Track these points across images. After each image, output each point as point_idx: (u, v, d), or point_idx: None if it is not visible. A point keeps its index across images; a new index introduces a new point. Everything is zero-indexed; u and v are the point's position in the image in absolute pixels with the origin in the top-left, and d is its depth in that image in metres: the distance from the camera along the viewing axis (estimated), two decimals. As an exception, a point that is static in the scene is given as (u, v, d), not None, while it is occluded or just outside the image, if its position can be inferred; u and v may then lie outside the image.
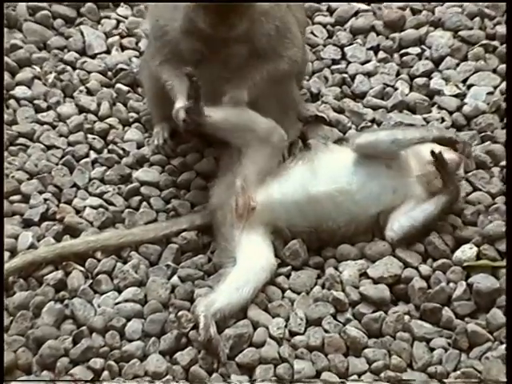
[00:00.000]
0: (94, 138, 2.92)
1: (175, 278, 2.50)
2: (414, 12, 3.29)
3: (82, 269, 2.53)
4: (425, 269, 2.45)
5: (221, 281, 2.41)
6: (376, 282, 2.43)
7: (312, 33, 3.25)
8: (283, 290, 2.46)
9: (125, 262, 2.56)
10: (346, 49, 3.19)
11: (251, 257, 2.44)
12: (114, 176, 2.81)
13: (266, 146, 2.53)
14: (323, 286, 2.45)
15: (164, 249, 2.59)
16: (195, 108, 2.43)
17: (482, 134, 2.82)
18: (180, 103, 2.51)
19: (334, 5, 3.36)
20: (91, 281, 2.51)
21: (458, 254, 2.47)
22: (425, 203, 2.49)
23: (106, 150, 2.90)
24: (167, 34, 2.57)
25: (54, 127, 2.97)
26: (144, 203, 2.73)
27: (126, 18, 3.39)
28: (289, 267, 2.49)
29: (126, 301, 2.44)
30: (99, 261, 2.55)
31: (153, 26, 2.68)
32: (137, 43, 3.30)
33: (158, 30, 2.62)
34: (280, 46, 2.60)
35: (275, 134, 2.54)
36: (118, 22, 3.37)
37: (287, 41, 2.62)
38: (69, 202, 2.74)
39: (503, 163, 2.72)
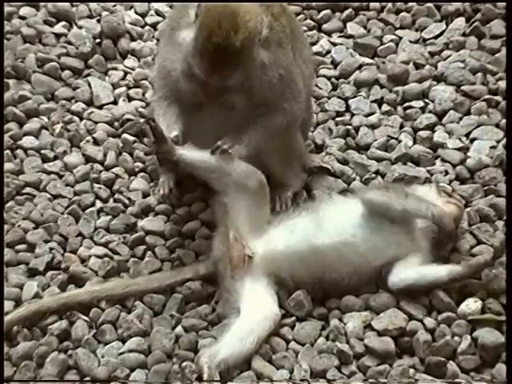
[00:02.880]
0: (100, 188, 2.93)
1: (179, 328, 2.50)
2: (417, 66, 3.33)
3: (86, 318, 2.53)
4: (429, 322, 2.44)
5: (224, 331, 2.40)
6: (381, 334, 2.42)
7: (316, 85, 3.28)
8: (287, 342, 2.45)
9: (129, 312, 2.56)
10: (350, 101, 3.23)
11: (254, 307, 2.44)
12: (119, 225, 2.82)
13: (244, 192, 2.52)
14: (327, 338, 2.44)
15: (168, 298, 2.59)
16: (161, 148, 2.47)
17: (486, 187, 2.84)
18: None
19: (337, 58, 3.41)
20: (95, 330, 2.51)
21: (463, 307, 2.46)
22: (439, 266, 2.48)
23: (111, 200, 2.92)
24: (170, 75, 2.62)
25: (60, 177, 3.00)
26: (149, 252, 2.74)
27: (133, 69, 3.44)
28: (293, 318, 2.49)
29: (130, 351, 2.43)
30: (103, 310, 2.55)
31: (159, 65, 2.73)
32: (143, 94, 3.33)
33: (162, 69, 2.67)
34: (281, 98, 2.63)
35: (252, 179, 2.53)
36: (126, 73, 3.42)
37: (289, 91, 2.65)
38: (74, 251, 2.74)
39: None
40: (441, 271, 2.48)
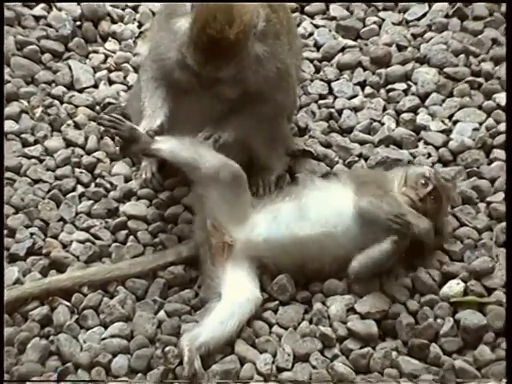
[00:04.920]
0: (81, 172, 2.91)
1: (162, 313, 2.49)
2: (400, 48, 3.32)
3: (67, 304, 2.52)
4: (412, 304, 2.45)
5: (206, 315, 2.39)
6: (363, 317, 2.42)
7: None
8: (270, 325, 2.45)
9: (111, 297, 2.54)
10: (332, 84, 3.22)
11: (236, 290, 2.43)
12: (100, 210, 2.80)
13: (217, 184, 2.51)
14: (311, 321, 2.44)
15: (151, 283, 2.57)
16: (132, 148, 2.50)
17: (468, 169, 2.84)
18: (143, 124, 2.56)
19: (320, 40, 3.39)
20: (77, 316, 2.49)
21: (445, 289, 2.47)
22: (379, 244, 2.45)
23: (93, 184, 2.89)
24: (163, 61, 2.60)
25: (41, 161, 2.97)
26: (131, 237, 2.72)
27: (114, 52, 3.41)
28: (276, 302, 2.49)
29: (113, 336, 2.43)
30: (85, 296, 2.53)
31: (152, 49, 2.71)
32: (125, 77, 3.31)
33: (155, 53, 2.66)
34: (275, 89, 2.62)
35: (223, 172, 2.51)
36: (106, 56, 3.38)
37: (284, 84, 2.64)
38: (55, 237, 2.72)
39: (489, 199, 2.74)
40: (382, 245, 2.43)
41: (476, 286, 2.46)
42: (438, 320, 2.40)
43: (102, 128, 2.82)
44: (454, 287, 2.46)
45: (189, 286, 2.56)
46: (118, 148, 2.59)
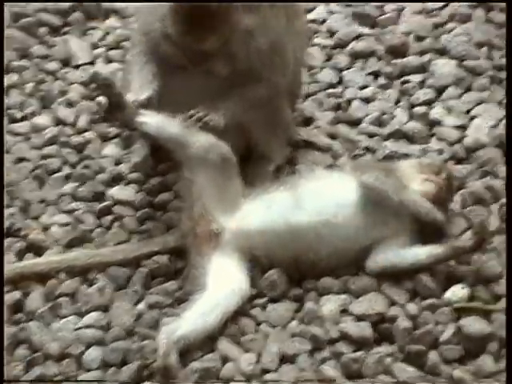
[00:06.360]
0: (68, 152, 2.86)
1: (142, 305, 2.43)
2: (419, 38, 3.25)
3: (42, 290, 2.45)
4: (412, 308, 2.37)
5: (188, 307, 2.33)
6: (358, 318, 2.35)
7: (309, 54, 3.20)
8: (258, 323, 2.37)
9: (90, 285, 2.48)
10: (344, 73, 3.15)
11: (221, 281, 2.36)
12: (86, 193, 2.75)
13: (206, 166, 2.45)
14: (301, 321, 2.36)
15: (133, 273, 2.51)
16: (118, 116, 2.48)
17: (483, 168, 2.76)
18: (129, 96, 2.50)
19: (334, 27, 3.33)
20: (51, 303, 2.43)
21: (449, 294, 2.39)
22: (419, 248, 2.42)
23: (80, 165, 2.85)
24: (150, 33, 2.55)
25: (27, 139, 2.92)
26: (116, 223, 2.67)
27: (115, 29, 3.36)
28: (265, 298, 2.41)
29: (87, 326, 2.37)
30: (62, 282, 2.47)
31: (140, 21, 2.67)
32: (124, 56, 3.25)
33: (143, 26, 2.61)
34: (268, 67, 2.55)
35: (212, 153, 2.46)
36: (107, 33, 3.34)
37: (278, 61, 2.57)
38: (35, 218, 2.68)
39: (504, 200, 2.64)
40: (420, 253, 2.40)
41: (482, 291, 2.39)
42: (439, 326, 2.32)
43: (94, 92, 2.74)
44: (458, 292, 2.38)
45: (173, 278, 2.50)
46: (102, 111, 2.52)
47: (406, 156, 2.77)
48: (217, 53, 2.41)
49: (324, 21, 3.38)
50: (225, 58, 2.44)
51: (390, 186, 2.42)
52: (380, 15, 3.37)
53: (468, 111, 2.97)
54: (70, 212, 2.69)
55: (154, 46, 2.54)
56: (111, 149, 2.92)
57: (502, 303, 2.36)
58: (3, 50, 3.14)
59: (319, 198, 2.44)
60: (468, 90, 3.04)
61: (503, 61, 3.10)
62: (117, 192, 2.75)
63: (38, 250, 2.57)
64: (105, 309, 2.41)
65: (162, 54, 2.52)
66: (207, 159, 2.44)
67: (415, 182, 2.50)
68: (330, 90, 3.10)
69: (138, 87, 2.51)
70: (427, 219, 2.42)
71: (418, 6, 3.39)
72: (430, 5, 3.39)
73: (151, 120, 2.47)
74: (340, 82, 3.13)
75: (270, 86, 2.57)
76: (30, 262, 2.51)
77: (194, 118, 2.46)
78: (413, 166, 2.55)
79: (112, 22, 3.42)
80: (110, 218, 2.68)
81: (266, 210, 2.45)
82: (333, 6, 3.44)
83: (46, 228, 2.64)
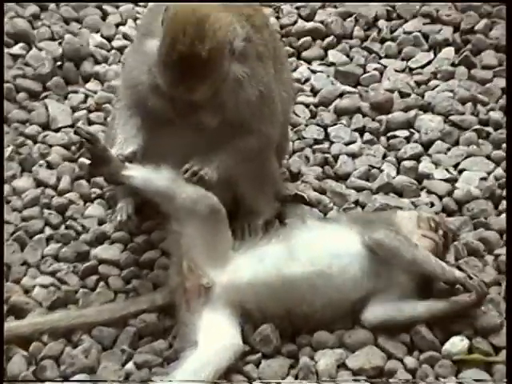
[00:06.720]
0: (50, 214, 2.83)
1: (130, 365, 2.37)
2: (403, 95, 3.28)
3: (25, 353, 2.39)
4: (410, 361, 2.34)
5: (179, 365, 2.26)
6: (355, 373, 2.30)
7: (294, 112, 3.21)
8: (251, 380, 2.32)
9: (75, 347, 2.41)
10: (329, 129, 3.17)
11: (212, 337, 2.31)
12: (69, 253, 2.71)
13: (194, 218, 2.42)
14: (296, 377, 2.31)
15: (120, 332, 2.45)
16: (101, 170, 2.44)
17: (475, 220, 2.76)
18: (114, 150, 2.48)
19: (317, 85, 3.35)
20: (35, 367, 2.36)
21: (448, 346, 2.36)
22: (418, 302, 2.40)
23: (63, 226, 2.80)
24: (136, 86, 2.54)
25: (7, 202, 2.88)
26: (101, 283, 2.63)
27: (96, 92, 3.35)
28: (259, 354, 2.37)
29: (73, 389, 2.29)
30: (45, 345, 2.41)
31: (124, 74, 2.67)
32: (105, 118, 3.24)
33: (129, 79, 2.60)
34: (258, 118, 2.55)
35: (200, 204, 2.43)
36: (87, 96, 3.34)
37: (268, 111, 2.57)
38: (17, 281, 2.62)
39: (498, 251, 2.65)
40: (420, 307, 2.39)
41: (482, 343, 2.36)
42: (440, 379, 2.27)
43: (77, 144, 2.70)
44: (457, 344, 2.35)
45: (162, 337, 2.45)
46: (86, 167, 2.49)
47: (398, 209, 2.75)
48: (206, 104, 2.39)
49: (307, 80, 3.40)
50: (214, 108, 2.42)
51: (403, 244, 2.39)
52: (363, 74, 3.39)
53: (456, 165, 2.98)
54: (52, 273, 2.64)
55: (141, 100, 2.53)
56: (94, 209, 2.89)
57: (503, 355, 2.33)
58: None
59: (313, 249, 2.42)
60: (455, 144, 3.07)
61: (489, 115, 3.14)
62: (101, 251, 2.71)
63: (20, 312, 2.51)
64: (91, 370, 2.35)
65: (149, 108, 2.50)
66: (195, 211, 2.41)
67: (413, 237, 2.47)
68: (316, 146, 3.10)
69: (123, 141, 2.49)
70: (443, 279, 2.40)
71: (401, 64, 3.42)
72: (412, 64, 3.42)
73: (137, 173, 2.44)
74: (326, 138, 3.14)
75: (261, 137, 2.57)
76: (13, 325, 2.44)
77: (189, 172, 2.43)
78: (411, 219, 2.53)
79: (92, 85, 3.41)
80: (94, 278, 2.64)
81: (257, 263, 2.41)
82: (315, 65, 3.47)
83: (27, 290, 2.59)
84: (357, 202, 2.85)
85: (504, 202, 2.81)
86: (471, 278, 2.40)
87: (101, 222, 2.82)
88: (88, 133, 2.45)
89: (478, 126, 3.09)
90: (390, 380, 2.29)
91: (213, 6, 2.43)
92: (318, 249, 2.42)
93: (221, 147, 2.50)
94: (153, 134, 2.53)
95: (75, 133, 2.50)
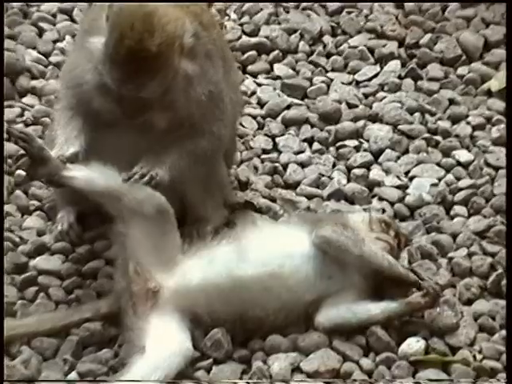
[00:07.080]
0: (-16, 226, 2.73)
1: (74, 374, 2.29)
2: (350, 106, 3.27)
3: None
4: (367, 363, 2.30)
5: (125, 372, 2.18)
6: (311, 376, 2.25)
7: (241, 124, 3.17)
8: (202, 386, 2.25)
9: (13, 358, 2.31)
10: (277, 139, 3.14)
11: (161, 343, 2.24)
12: (6, 265, 2.61)
13: (140, 219, 2.36)
14: (249, 382, 2.24)
15: (62, 343, 2.37)
16: (40, 171, 2.37)
17: (427, 224, 2.76)
18: (54, 151, 2.42)
19: (264, 97, 3.32)
20: (-29, 379, 2.26)
21: (404, 347, 2.34)
22: (373, 304, 2.37)
23: (0, 238, 2.71)
24: (80, 86, 2.47)
25: None
26: (41, 294, 2.55)
27: (32, 106, 3.28)
28: (210, 360, 2.31)
29: (12, 400, 2.20)
30: (-19, 357, 2.31)
31: (66, 72, 2.59)
32: (43, 132, 3.16)
33: (70, 78, 2.53)
34: (208, 118, 2.50)
35: (147, 205, 2.37)
36: (23, 110, 3.26)
37: (218, 111, 2.53)
38: (-51, 294, 2.52)
39: (451, 254, 2.65)
40: (374, 309, 2.36)
41: (438, 344, 2.35)
42: (397, 380, 2.23)
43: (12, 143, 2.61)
44: (413, 345, 2.34)
45: (107, 346, 2.38)
46: (26, 168, 2.41)
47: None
48: (155, 103, 2.34)
49: (253, 93, 3.38)
50: (163, 108, 2.37)
51: (349, 240, 2.36)
52: (310, 86, 3.38)
53: (407, 172, 2.99)
54: (-13, 286, 2.54)
55: (84, 100, 2.46)
56: (33, 221, 2.82)
57: (460, 355, 2.32)
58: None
59: (264, 249, 2.37)
60: (405, 152, 3.07)
61: (437, 124, 3.15)
62: (40, 262, 2.64)
63: (-49, 326, 2.40)
64: (30, 380, 2.27)
65: (94, 108, 2.44)
66: (142, 211, 2.35)
67: (367, 240, 2.45)
68: (265, 156, 3.08)
69: (64, 142, 2.42)
70: (390, 273, 2.36)
71: (347, 77, 3.43)
72: (359, 77, 3.42)
73: (79, 174, 2.37)
74: (274, 148, 3.12)
75: (213, 138, 2.52)
76: None
77: (138, 173, 2.37)
78: (363, 222, 2.52)
79: (29, 99, 3.33)
80: (33, 289, 2.56)
81: (207, 265, 2.36)
82: (261, 79, 3.45)
83: (-40, 305, 2.49)
84: (308, 209, 2.82)
85: (456, 208, 2.83)
86: (423, 280, 2.38)
87: (40, 234, 2.76)
88: (21, 132, 2.38)
89: (427, 135, 3.11)
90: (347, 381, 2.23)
91: (159, 4, 2.39)
92: (270, 249, 2.38)
93: (171, 149, 2.45)
94: (97, 135, 2.46)
95: (7, 133, 2.41)
